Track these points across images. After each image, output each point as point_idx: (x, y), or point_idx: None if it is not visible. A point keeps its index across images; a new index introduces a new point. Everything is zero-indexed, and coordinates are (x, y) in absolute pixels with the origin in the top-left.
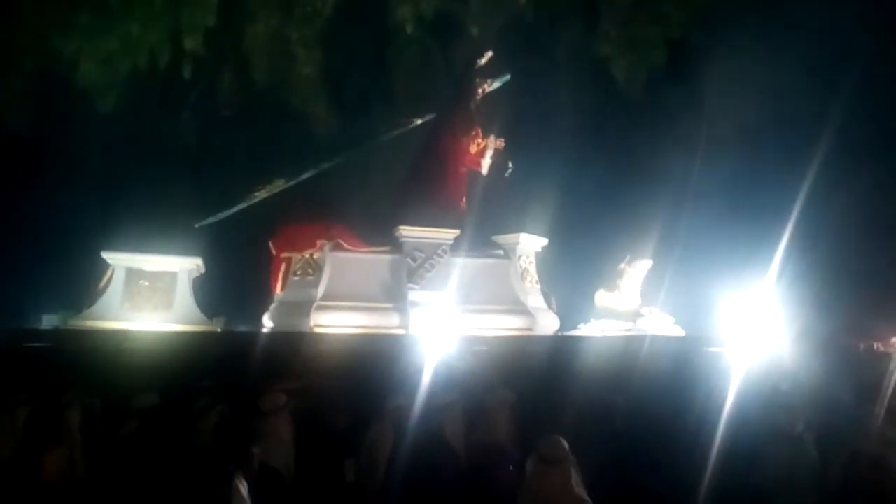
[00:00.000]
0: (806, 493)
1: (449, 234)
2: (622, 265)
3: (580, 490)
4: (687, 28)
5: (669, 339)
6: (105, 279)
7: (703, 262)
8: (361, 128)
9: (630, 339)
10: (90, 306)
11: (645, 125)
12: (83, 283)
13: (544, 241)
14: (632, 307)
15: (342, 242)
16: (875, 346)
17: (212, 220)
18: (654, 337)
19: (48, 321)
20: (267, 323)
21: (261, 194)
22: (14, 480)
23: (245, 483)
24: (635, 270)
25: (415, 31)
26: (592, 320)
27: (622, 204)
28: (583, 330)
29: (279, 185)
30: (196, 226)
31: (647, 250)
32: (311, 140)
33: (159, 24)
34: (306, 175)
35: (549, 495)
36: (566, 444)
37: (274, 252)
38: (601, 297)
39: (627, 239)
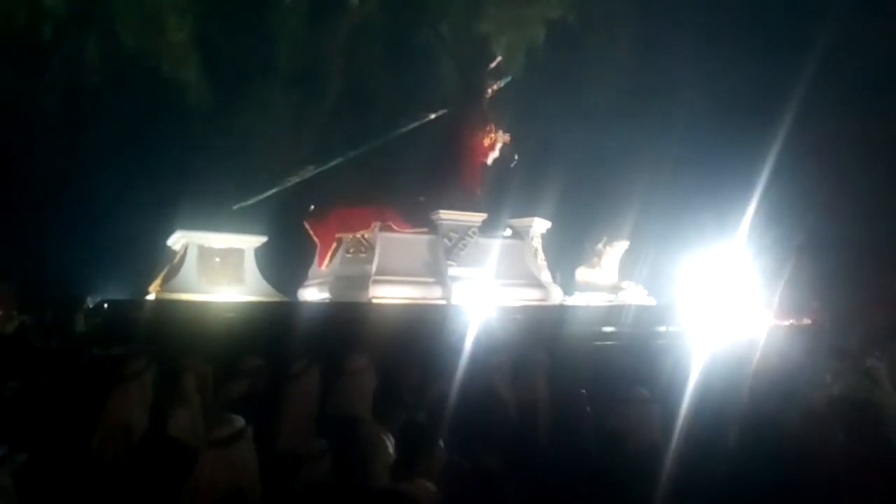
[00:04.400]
0: (838, 428)
1: (477, 217)
2: (599, 245)
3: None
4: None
5: (649, 307)
6: (178, 256)
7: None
8: (377, 120)
9: (636, 308)
10: (168, 281)
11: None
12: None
13: (549, 224)
14: (611, 281)
15: (391, 224)
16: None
17: (251, 201)
18: (636, 306)
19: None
20: (317, 295)
21: (292, 179)
22: (148, 443)
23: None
24: (614, 250)
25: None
26: (576, 293)
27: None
28: (569, 301)
29: (309, 170)
30: (234, 207)
31: (623, 231)
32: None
33: None
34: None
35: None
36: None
37: (313, 232)
38: (582, 273)
39: (595, 220)
